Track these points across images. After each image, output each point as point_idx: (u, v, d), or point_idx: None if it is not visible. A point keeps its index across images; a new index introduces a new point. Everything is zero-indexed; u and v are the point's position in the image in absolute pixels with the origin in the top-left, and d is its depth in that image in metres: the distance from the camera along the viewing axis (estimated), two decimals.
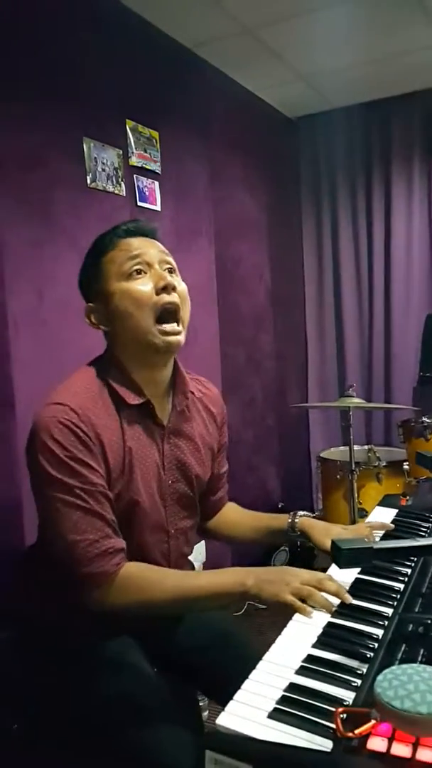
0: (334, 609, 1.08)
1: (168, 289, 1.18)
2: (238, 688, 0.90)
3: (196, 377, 1.40)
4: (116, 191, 2.19)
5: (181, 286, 1.23)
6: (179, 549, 1.31)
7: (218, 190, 2.94)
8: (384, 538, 1.38)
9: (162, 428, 1.25)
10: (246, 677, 0.92)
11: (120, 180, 2.20)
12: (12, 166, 1.82)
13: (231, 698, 0.88)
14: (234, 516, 1.49)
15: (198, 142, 2.76)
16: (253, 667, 0.94)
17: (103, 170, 2.12)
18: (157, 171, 2.42)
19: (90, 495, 1.10)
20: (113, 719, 1.11)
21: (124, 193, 2.23)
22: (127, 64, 2.28)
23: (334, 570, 1.17)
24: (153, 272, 1.19)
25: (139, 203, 2.31)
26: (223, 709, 0.86)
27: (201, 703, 1.86)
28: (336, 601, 1.10)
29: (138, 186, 2.30)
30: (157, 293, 1.17)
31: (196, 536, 1.42)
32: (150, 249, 1.21)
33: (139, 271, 1.18)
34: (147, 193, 2.34)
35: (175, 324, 1.19)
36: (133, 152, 2.28)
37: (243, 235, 3.21)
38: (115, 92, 2.23)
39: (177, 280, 1.22)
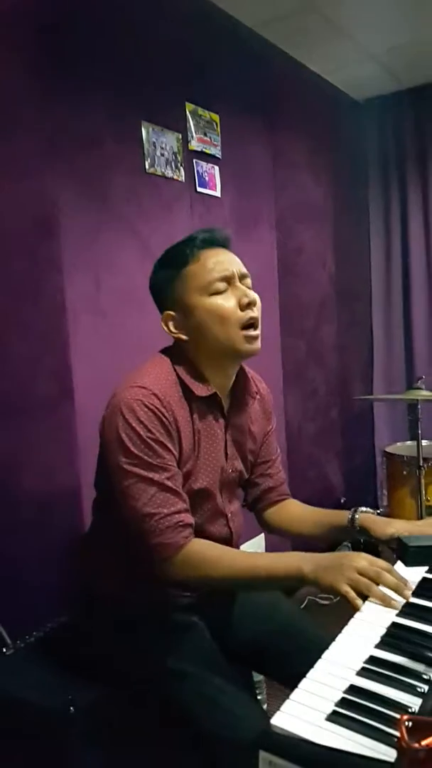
0: (393, 602, 1.02)
1: (251, 305, 1.26)
2: (303, 674, 0.87)
3: (250, 372, 1.44)
4: (175, 176, 2.16)
5: (258, 301, 1.29)
6: (238, 531, 1.38)
7: (280, 175, 2.86)
8: None
9: (225, 420, 1.33)
10: (310, 665, 0.89)
11: (179, 165, 2.16)
12: (69, 150, 1.81)
13: (295, 681, 0.85)
14: (296, 511, 1.50)
15: (260, 125, 2.69)
16: (318, 655, 0.91)
17: (162, 155, 2.09)
18: (217, 155, 2.37)
19: (167, 473, 1.17)
20: (177, 690, 1.16)
21: (183, 179, 2.20)
22: (186, 45, 2.25)
23: (399, 567, 1.10)
24: (234, 288, 1.26)
25: (199, 189, 2.27)
26: (286, 692, 0.83)
27: (257, 689, 1.84)
28: (397, 597, 1.04)
29: (198, 171, 2.26)
30: (242, 309, 1.25)
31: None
32: (230, 264, 1.27)
33: (223, 288, 1.24)
34: (207, 178, 2.30)
35: (258, 330, 1.27)
36: (192, 136, 2.24)
37: (306, 221, 3.12)
38: (175, 74, 2.19)
39: (254, 294, 1.29)
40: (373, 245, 3.68)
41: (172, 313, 1.28)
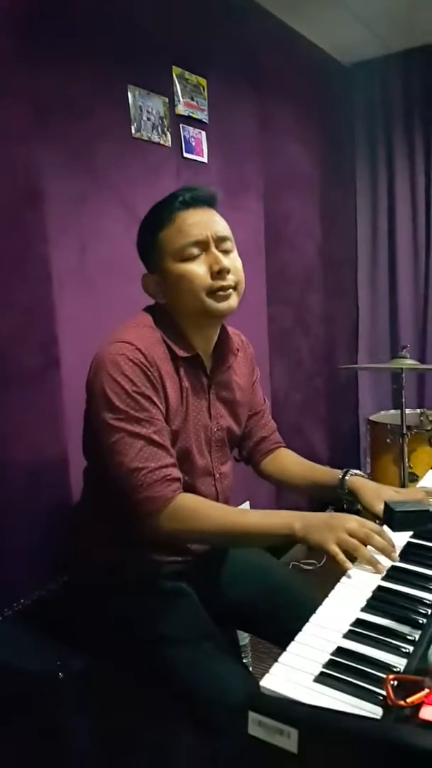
0: (380, 565, 1.05)
1: (223, 273, 1.22)
2: (294, 632, 0.89)
3: (232, 330, 1.44)
4: (162, 141, 2.11)
5: (236, 264, 1.26)
6: (225, 492, 1.39)
7: (268, 141, 2.81)
8: None
9: (209, 379, 1.33)
10: (302, 623, 0.92)
11: (166, 129, 2.12)
12: (54, 116, 1.76)
13: (287, 639, 0.88)
14: (288, 463, 1.52)
15: (247, 90, 2.64)
16: (310, 613, 0.94)
17: (149, 119, 2.04)
18: (204, 120, 2.32)
19: (153, 426, 1.16)
20: (167, 655, 1.18)
21: (169, 144, 2.15)
22: (173, 8, 2.18)
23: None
24: (208, 254, 1.22)
25: (186, 154, 2.23)
26: (271, 655, 0.85)
27: (243, 653, 1.89)
28: (383, 560, 1.06)
29: (184, 136, 2.21)
30: (212, 277, 1.21)
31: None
32: (205, 227, 1.22)
33: (195, 254, 1.21)
34: (193, 143, 2.25)
35: (230, 291, 1.24)
36: (179, 100, 2.18)
37: (293, 189, 3.09)
38: (161, 37, 2.13)
39: (232, 258, 1.26)
40: (359, 214, 3.66)
41: (150, 276, 1.28)
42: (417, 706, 0.70)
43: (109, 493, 1.19)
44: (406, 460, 2.61)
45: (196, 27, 2.31)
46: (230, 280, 1.23)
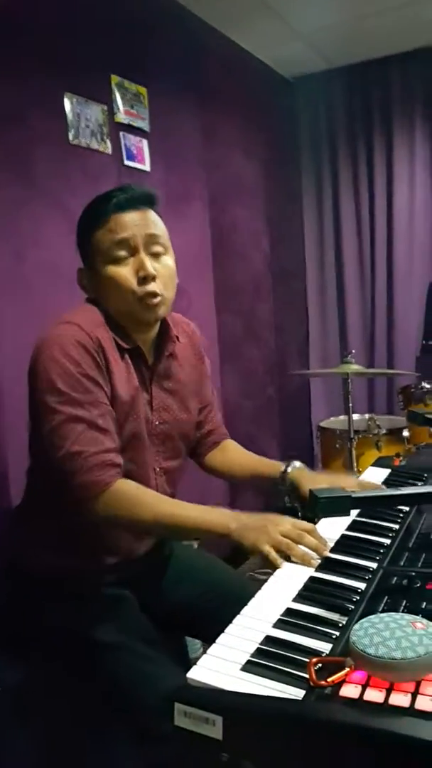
0: (312, 561, 1.05)
1: (148, 279, 1.20)
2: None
3: (173, 317, 1.40)
4: (101, 149, 2.11)
5: (166, 269, 1.25)
6: (163, 487, 1.34)
7: (212, 152, 2.85)
8: None
9: (150, 371, 1.30)
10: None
11: (105, 137, 2.12)
12: None
13: None
14: (233, 455, 1.51)
15: (189, 100, 2.67)
16: None
17: (87, 126, 2.04)
18: (145, 129, 2.34)
19: (97, 410, 1.14)
20: (108, 663, 1.16)
21: (110, 151, 2.16)
22: (111, 17, 2.20)
23: (321, 525, 1.15)
24: (137, 258, 1.21)
25: (127, 162, 2.24)
26: None
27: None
28: (316, 555, 1.07)
29: (125, 144, 2.22)
30: (138, 282, 1.20)
31: (181, 478, 1.44)
32: (137, 229, 1.21)
33: (123, 256, 1.21)
34: (135, 151, 2.27)
35: (158, 299, 1.23)
36: (119, 109, 2.19)
37: (239, 200, 3.13)
38: (100, 46, 2.14)
39: (163, 261, 1.24)
40: (306, 225, 3.73)
41: (84, 270, 1.29)
42: (338, 685, 0.70)
43: (51, 494, 1.16)
44: (355, 463, 2.64)
45: (136, 37, 2.33)
46: (155, 287, 1.22)
